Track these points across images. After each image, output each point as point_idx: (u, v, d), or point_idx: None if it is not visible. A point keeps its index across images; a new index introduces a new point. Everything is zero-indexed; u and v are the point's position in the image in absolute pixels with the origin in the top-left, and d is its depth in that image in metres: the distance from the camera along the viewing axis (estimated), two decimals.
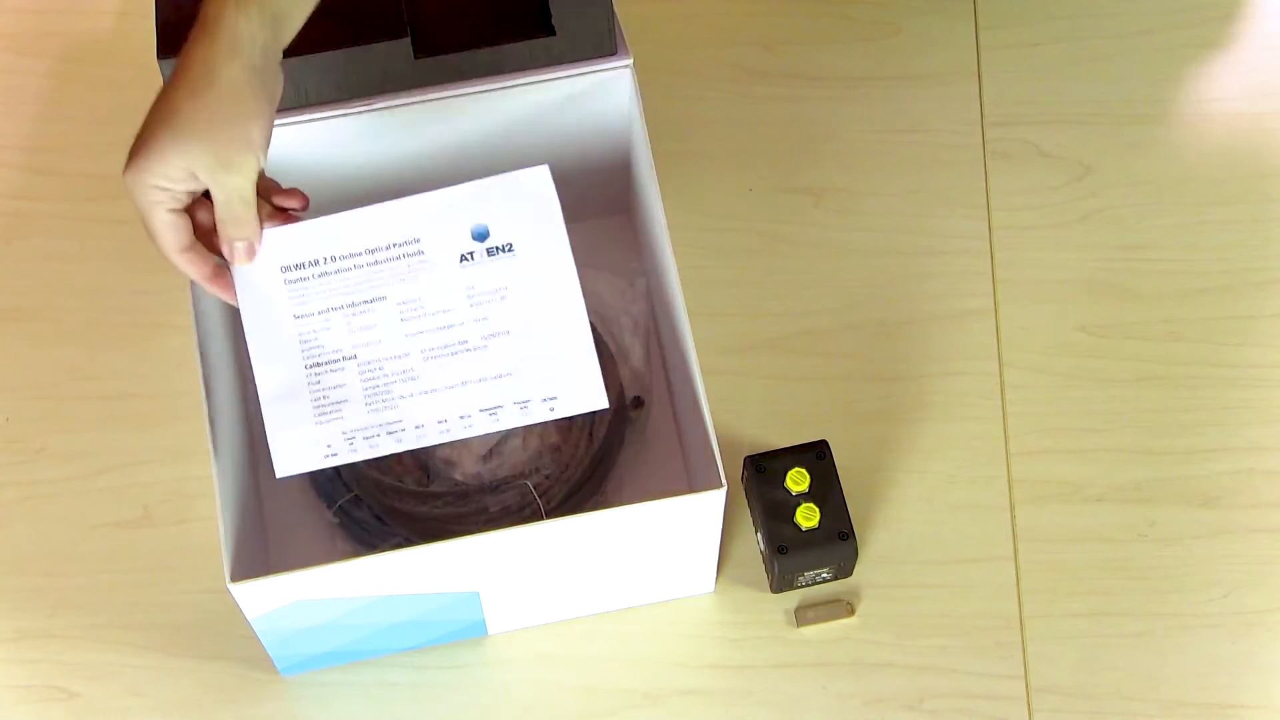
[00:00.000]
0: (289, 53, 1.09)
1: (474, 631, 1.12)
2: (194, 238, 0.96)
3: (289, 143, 1.12)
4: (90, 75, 1.36)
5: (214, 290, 0.99)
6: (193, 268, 0.97)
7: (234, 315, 1.22)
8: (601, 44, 1.12)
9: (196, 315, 1.06)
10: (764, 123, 1.34)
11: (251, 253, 0.98)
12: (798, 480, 1.12)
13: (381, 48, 1.09)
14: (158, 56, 1.07)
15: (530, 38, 1.10)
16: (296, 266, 0.99)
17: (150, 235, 0.95)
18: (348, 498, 1.14)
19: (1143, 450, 1.20)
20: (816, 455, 1.14)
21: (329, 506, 1.15)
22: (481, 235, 0.99)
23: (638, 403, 1.19)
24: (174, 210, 0.94)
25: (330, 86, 1.10)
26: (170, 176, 0.92)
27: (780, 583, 1.13)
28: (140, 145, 0.93)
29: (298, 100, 1.10)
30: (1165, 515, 1.17)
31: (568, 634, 1.13)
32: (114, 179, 1.29)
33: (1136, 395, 1.22)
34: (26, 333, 1.25)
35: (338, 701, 1.11)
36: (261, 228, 0.98)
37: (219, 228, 0.96)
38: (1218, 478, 1.19)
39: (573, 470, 1.15)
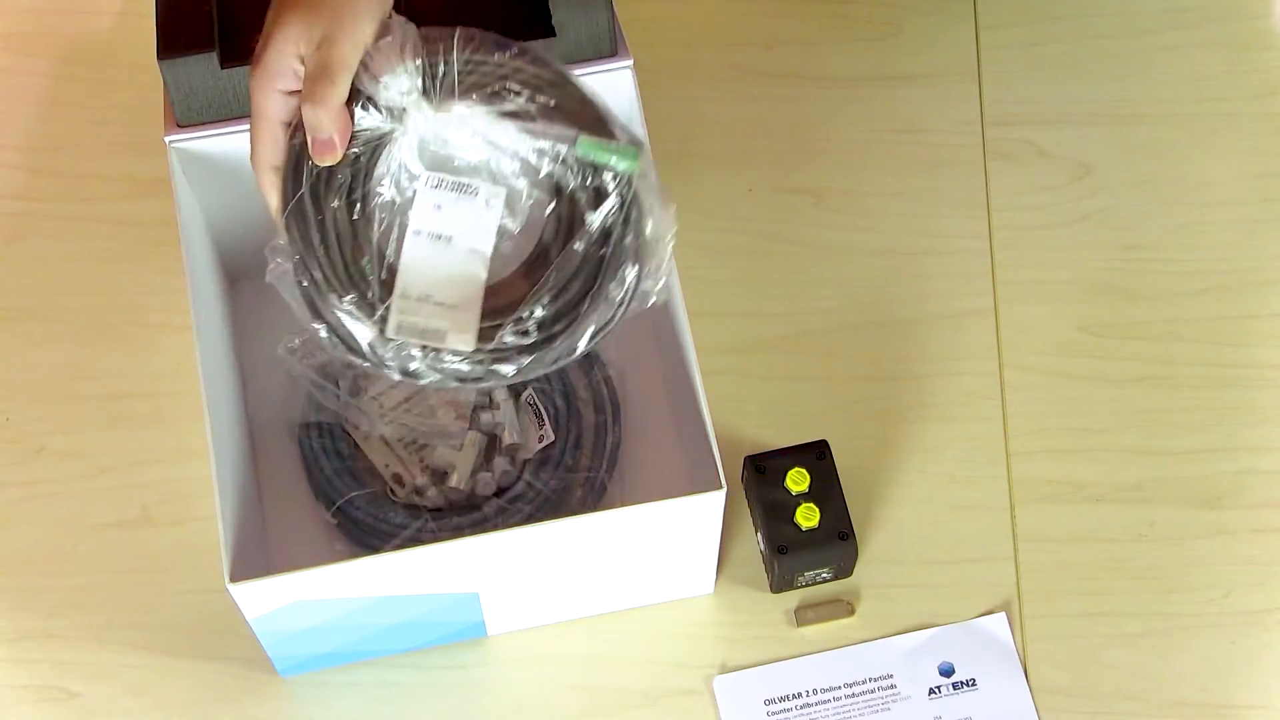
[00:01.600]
0: None
1: (474, 632, 1.12)
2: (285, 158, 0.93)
3: None
4: (90, 75, 1.37)
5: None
6: (274, 191, 0.94)
7: (233, 314, 1.22)
8: (601, 44, 1.12)
9: (196, 315, 1.06)
10: (764, 123, 1.34)
11: (324, 152, 0.92)
12: (798, 480, 1.12)
13: None
14: (158, 57, 1.07)
15: (530, 38, 1.10)
16: (780, 699, 1.08)
17: (253, 140, 0.93)
18: (346, 499, 1.14)
19: (1143, 450, 1.20)
20: (816, 455, 1.14)
21: (327, 508, 1.15)
22: (947, 672, 1.09)
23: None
24: (284, 122, 0.92)
25: None
26: (281, 72, 0.91)
27: (780, 583, 1.13)
28: (259, 45, 0.91)
29: None
30: (1165, 515, 1.17)
31: (568, 634, 1.13)
32: (114, 179, 1.31)
33: (1136, 395, 1.22)
34: (26, 333, 1.25)
35: (338, 701, 1.11)
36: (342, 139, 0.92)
37: (304, 87, 0.91)
38: (1218, 478, 1.19)
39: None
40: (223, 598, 0.99)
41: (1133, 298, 1.26)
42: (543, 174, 0.95)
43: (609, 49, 1.13)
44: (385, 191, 0.95)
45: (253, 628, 1.03)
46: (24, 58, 1.38)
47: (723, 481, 1.01)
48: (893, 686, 1.10)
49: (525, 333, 0.94)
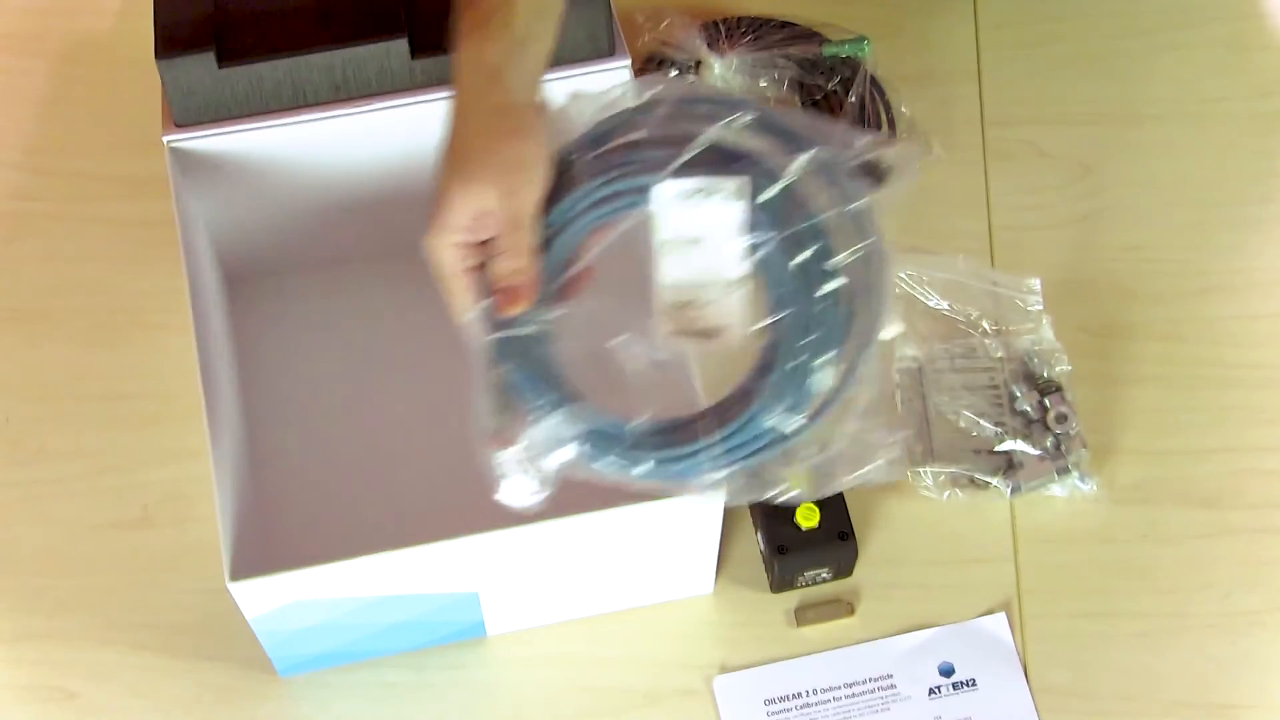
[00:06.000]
0: (286, 53, 1.10)
1: (473, 632, 1.11)
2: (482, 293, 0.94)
3: (289, 142, 1.12)
4: (90, 75, 1.37)
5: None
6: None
7: (233, 314, 1.22)
8: (600, 43, 1.12)
9: (196, 315, 1.06)
10: None
11: (517, 299, 0.93)
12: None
13: (379, 48, 1.09)
14: (157, 57, 1.07)
15: None
16: (780, 699, 1.08)
17: (445, 295, 0.94)
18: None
19: (1143, 450, 1.20)
20: None
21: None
22: (947, 672, 1.10)
23: None
24: (468, 270, 0.93)
25: (329, 86, 1.10)
26: (461, 227, 0.91)
27: (780, 583, 1.13)
28: (435, 204, 0.92)
29: (297, 100, 1.10)
30: (1165, 515, 1.17)
31: (567, 634, 1.13)
32: (114, 179, 1.31)
33: (1136, 395, 1.22)
34: (26, 333, 1.25)
35: (338, 701, 1.11)
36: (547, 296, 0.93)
37: (489, 266, 0.93)
38: (1218, 478, 1.18)
39: None
40: (223, 598, 0.99)
41: (1133, 298, 1.26)
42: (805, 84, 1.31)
43: (607, 48, 1.13)
44: None
45: (253, 627, 1.03)
46: (24, 58, 1.38)
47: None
48: (892, 686, 1.10)
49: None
